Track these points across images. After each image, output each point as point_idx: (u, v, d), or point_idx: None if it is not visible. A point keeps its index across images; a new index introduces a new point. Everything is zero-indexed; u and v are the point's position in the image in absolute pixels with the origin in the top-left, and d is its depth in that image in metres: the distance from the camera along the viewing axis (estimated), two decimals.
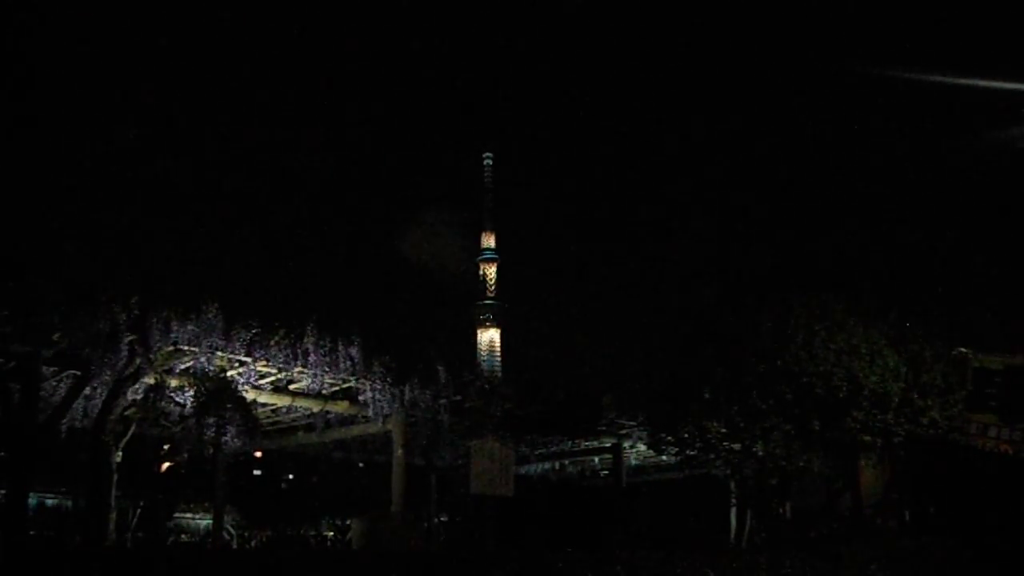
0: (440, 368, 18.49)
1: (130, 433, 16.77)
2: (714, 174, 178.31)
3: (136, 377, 15.43)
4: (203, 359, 15.73)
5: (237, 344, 15.80)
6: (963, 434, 18.93)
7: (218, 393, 16.10)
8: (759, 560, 14.06)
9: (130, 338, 14.73)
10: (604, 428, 22.67)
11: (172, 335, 14.93)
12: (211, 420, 16.13)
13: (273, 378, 17.52)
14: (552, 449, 25.78)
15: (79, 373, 15.00)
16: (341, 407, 19.02)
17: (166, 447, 21.33)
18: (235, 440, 16.73)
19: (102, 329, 14.38)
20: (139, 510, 24.77)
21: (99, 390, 15.23)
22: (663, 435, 18.47)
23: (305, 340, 16.52)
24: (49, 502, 27.06)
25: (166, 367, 15.83)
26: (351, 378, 17.60)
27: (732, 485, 19.41)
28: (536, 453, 25.77)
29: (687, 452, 18.14)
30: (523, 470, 26.14)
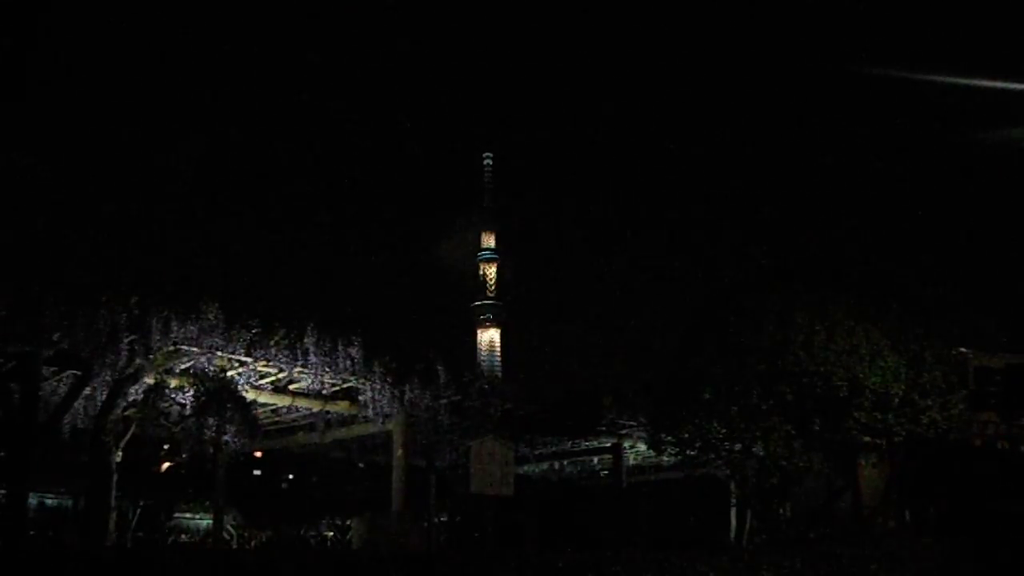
0: (440, 368, 18.50)
1: (130, 433, 16.76)
2: (714, 174, 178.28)
3: (136, 377, 15.41)
4: (203, 359, 15.73)
5: (237, 344, 15.78)
6: (963, 433, 18.92)
7: (218, 393, 16.10)
8: (759, 560, 14.03)
9: (130, 338, 14.72)
10: (604, 428, 22.65)
11: (172, 335, 14.92)
12: (211, 420, 16.14)
13: (273, 378, 17.52)
14: (552, 449, 25.77)
15: (79, 373, 14.98)
16: (341, 407, 19.01)
17: (166, 447, 21.32)
18: (235, 440, 16.77)
19: (102, 329, 14.37)
20: (139, 510, 24.72)
21: (99, 390, 15.21)
22: (663, 435, 18.46)
23: (305, 340, 16.52)
24: (49, 502, 26.97)
25: (166, 367, 15.82)
26: (351, 378, 17.60)
27: (732, 485, 19.39)
28: (536, 453, 25.76)
29: (687, 452, 18.13)
30: (523, 470, 26.12)
